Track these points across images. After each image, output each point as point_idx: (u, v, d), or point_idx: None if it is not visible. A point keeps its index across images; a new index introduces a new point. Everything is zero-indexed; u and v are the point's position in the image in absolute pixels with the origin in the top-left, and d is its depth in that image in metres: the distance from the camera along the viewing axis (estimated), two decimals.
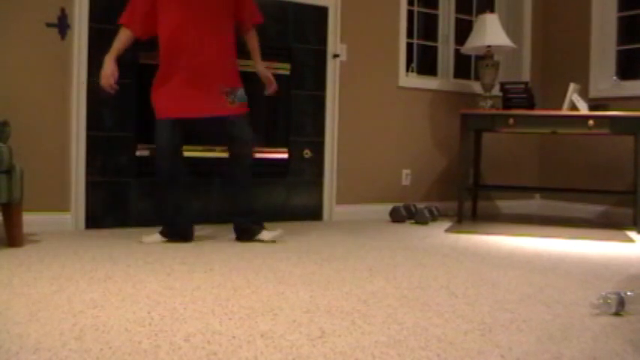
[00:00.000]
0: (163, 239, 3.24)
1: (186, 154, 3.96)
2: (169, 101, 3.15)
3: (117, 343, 1.61)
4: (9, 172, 2.94)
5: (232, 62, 3.26)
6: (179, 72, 3.13)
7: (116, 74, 3.13)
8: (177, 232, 3.25)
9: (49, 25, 3.52)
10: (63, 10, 3.54)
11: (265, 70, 3.46)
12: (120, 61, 3.67)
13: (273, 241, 3.31)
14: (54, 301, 2.00)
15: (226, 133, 3.26)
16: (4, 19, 3.42)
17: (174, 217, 3.27)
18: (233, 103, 3.20)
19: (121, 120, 3.71)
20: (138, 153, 3.77)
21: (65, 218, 3.58)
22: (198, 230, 3.71)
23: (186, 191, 3.32)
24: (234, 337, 1.68)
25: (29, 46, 3.48)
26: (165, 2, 3.14)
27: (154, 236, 3.24)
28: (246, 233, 3.31)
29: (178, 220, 3.27)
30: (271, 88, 3.47)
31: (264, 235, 3.30)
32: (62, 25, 3.54)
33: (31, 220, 3.34)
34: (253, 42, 3.44)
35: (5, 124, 3.07)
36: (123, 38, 3.19)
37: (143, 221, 3.77)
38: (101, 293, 2.12)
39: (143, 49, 3.73)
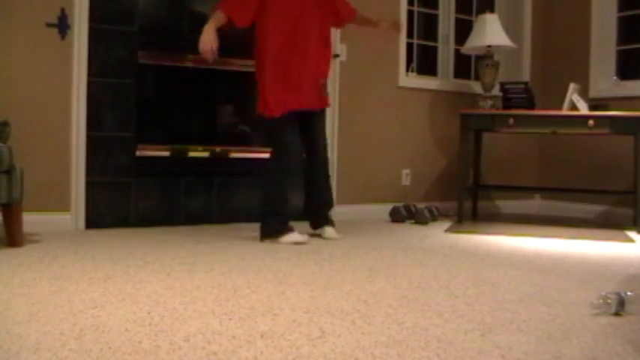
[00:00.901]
0: (297, 237, 3.27)
1: (185, 154, 3.98)
2: (285, 97, 3.28)
3: (117, 343, 1.61)
4: (9, 172, 2.94)
5: (328, 57, 3.46)
6: (289, 71, 3.27)
7: (217, 43, 3.13)
8: (285, 223, 3.30)
9: (49, 25, 3.52)
10: (63, 10, 3.54)
11: (384, 21, 3.68)
12: (120, 60, 3.69)
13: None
14: (54, 301, 2.00)
15: (312, 126, 3.44)
16: (4, 19, 3.42)
17: (281, 206, 3.32)
18: (326, 95, 3.46)
19: (121, 120, 3.71)
20: (138, 153, 3.78)
21: (65, 218, 3.58)
22: (198, 231, 3.71)
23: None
24: (234, 337, 1.68)
25: (29, 46, 3.48)
26: (273, 6, 3.25)
27: (292, 235, 3.27)
28: (325, 220, 3.52)
29: (285, 210, 3.32)
30: (398, 27, 3.70)
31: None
32: (62, 25, 3.54)
33: (31, 220, 3.34)
34: (361, 18, 3.68)
35: (5, 124, 3.07)
36: (221, 19, 3.20)
37: (143, 221, 3.78)
38: (101, 293, 2.12)
39: (143, 49, 3.73)
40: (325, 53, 3.44)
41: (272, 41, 3.26)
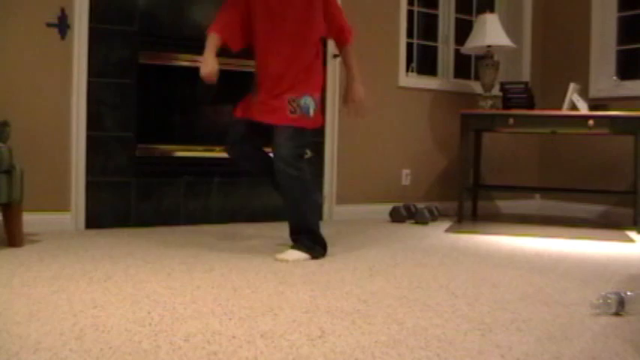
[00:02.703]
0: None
1: (185, 154, 3.98)
2: (244, 103, 3.09)
3: (117, 343, 1.61)
4: (9, 172, 2.94)
5: (307, 72, 3.07)
6: (262, 79, 3.05)
7: (217, 66, 2.97)
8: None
9: (49, 25, 3.52)
10: (63, 10, 3.54)
11: (356, 91, 3.17)
12: (120, 60, 3.69)
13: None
14: (54, 301, 2.00)
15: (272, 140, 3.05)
16: (4, 19, 3.42)
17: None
18: (294, 113, 2.99)
19: (121, 120, 3.71)
20: (138, 153, 3.77)
21: (65, 218, 3.58)
22: (198, 231, 3.70)
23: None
24: (234, 337, 1.68)
25: (29, 46, 3.48)
26: (254, 13, 3.04)
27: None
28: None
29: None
30: (360, 110, 3.18)
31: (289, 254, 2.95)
32: (62, 25, 3.54)
33: (31, 220, 3.34)
34: (345, 59, 3.24)
35: (5, 124, 3.07)
36: (217, 42, 3.02)
37: (143, 221, 3.78)
38: (101, 293, 2.12)
39: (143, 49, 3.73)
40: (307, 70, 3.07)
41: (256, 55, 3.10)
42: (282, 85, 3.00)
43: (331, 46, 4.34)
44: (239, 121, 3.09)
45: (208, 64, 2.97)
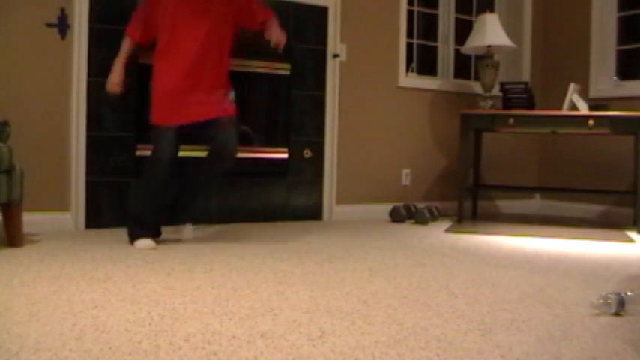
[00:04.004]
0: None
1: (184, 154, 3.97)
2: (169, 109, 3.16)
3: (117, 343, 1.61)
4: (9, 172, 2.94)
5: (226, 66, 3.31)
6: (179, 77, 3.14)
7: (123, 80, 3.29)
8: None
9: (49, 25, 3.52)
10: (63, 10, 3.54)
11: (274, 31, 3.26)
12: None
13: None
14: (54, 301, 2.00)
15: (213, 134, 3.22)
16: (4, 19, 3.42)
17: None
18: (231, 104, 3.27)
19: (121, 120, 3.71)
20: (138, 153, 3.77)
21: (65, 218, 3.58)
22: (198, 231, 3.70)
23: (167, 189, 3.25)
24: (234, 337, 1.68)
25: (29, 46, 3.48)
26: (165, 9, 3.18)
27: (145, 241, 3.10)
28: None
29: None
30: (277, 42, 3.28)
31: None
32: (62, 25, 3.54)
33: (31, 220, 3.34)
34: (268, 30, 3.30)
35: (5, 124, 3.07)
36: (127, 45, 3.31)
37: None
38: (101, 293, 2.12)
39: (143, 49, 3.73)
40: (226, 65, 3.29)
41: (162, 50, 3.20)
42: (219, 81, 3.22)
43: (331, 46, 4.35)
44: (169, 130, 3.17)
45: (113, 76, 3.27)
